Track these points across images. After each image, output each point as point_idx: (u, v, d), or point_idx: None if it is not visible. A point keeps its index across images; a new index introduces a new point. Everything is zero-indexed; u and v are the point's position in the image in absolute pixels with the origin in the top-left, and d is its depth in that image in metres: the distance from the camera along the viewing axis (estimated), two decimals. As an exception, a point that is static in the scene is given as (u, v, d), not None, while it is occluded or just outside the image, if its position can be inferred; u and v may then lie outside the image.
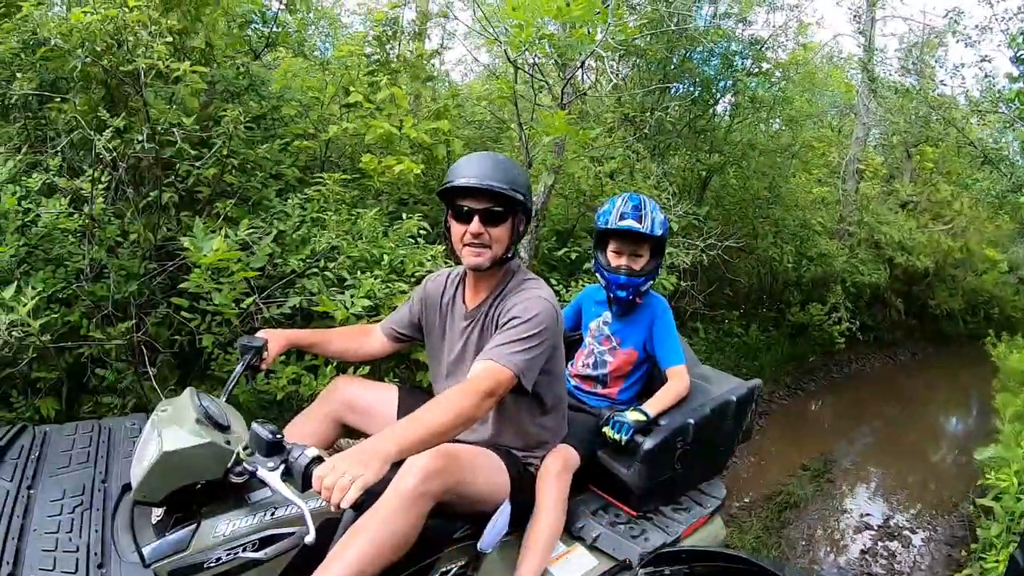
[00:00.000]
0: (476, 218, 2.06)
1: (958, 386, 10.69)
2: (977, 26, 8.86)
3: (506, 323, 2.04)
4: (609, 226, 2.56)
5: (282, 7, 4.65)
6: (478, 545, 2.05)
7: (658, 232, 2.55)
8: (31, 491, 1.74)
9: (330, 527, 1.84)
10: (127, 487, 1.73)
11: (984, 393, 8.68)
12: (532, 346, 1.98)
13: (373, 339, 2.55)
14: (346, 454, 1.53)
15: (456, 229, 2.12)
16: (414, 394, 2.44)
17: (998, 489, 4.07)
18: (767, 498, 5.76)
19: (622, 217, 2.53)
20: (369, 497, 1.81)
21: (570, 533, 2.28)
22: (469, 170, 2.07)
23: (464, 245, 2.11)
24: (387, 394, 2.42)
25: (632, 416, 2.34)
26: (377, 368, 3.51)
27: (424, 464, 1.80)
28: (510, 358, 1.93)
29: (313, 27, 6.83)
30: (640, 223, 2.52)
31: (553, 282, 4.61)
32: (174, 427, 1.63)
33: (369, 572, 1.72)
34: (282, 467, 1.58)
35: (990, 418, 7.37)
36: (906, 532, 5.48)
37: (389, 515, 1.75)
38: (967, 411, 9.75)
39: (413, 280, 3.51)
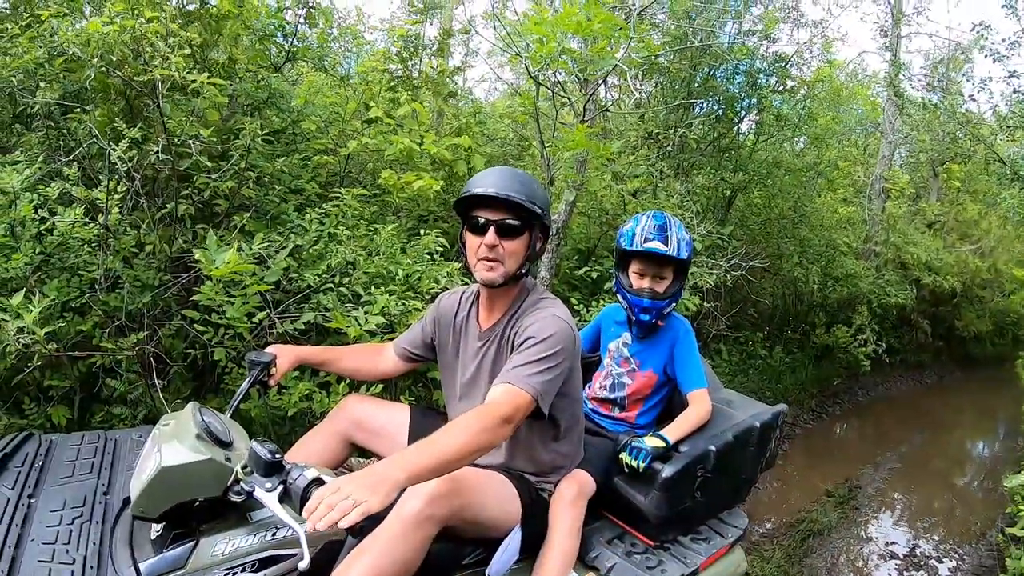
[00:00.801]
0: (491, 229, 2.01)
1: (986, 409, 10.53)
2: (1004, 40, 8.71)
3: (522, 343, 1.97)
4: (634, 247, 2.47)
5: (302, 21, 4.65)
6: (487, 572, 1.99)
7: (684, 254, 2.48)
8: (32, 500, 1.72)
9: (332, 550, 1.80)
10: (128, 500, 1.69)
11: (1013, 417, 8.53)
12: (550, 367, 1.91)
13: (385, 358, 2.50)
14: (353, 477, 1.46)
15: (471, 242, 2.07)
16: (427, 415, 2.39)
17: (1027, 518, 3.95)
18: (790, 525, 5.65)
19: (647, 239, 2.45)
20: (371, 521, 1.76)
21: (584, 562, 2.20)
22: (486, 181, 2.03)
23: (478, 260, 2.05)
24: (399, 414, 2.37)
25: (650, 442, 2.27)
26: (392, 386, 3.48)
27: (429, 487, 1.74)
28: (528, 380, 1.86)
29: (336, 43, 6.85)
30: (666, 244, 2.43)
31: (574, 301, 4.58)
32: (174, 442, 1.60)
33: None
34: (280, 488, 1.55)
35: (1018, 442, 7.22)
36: (932, 561, 5.36)
37: (392, 540, 1.68)
38: (995, 435, 9.58)
39: (428, 297, 3.48)
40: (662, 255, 2.44)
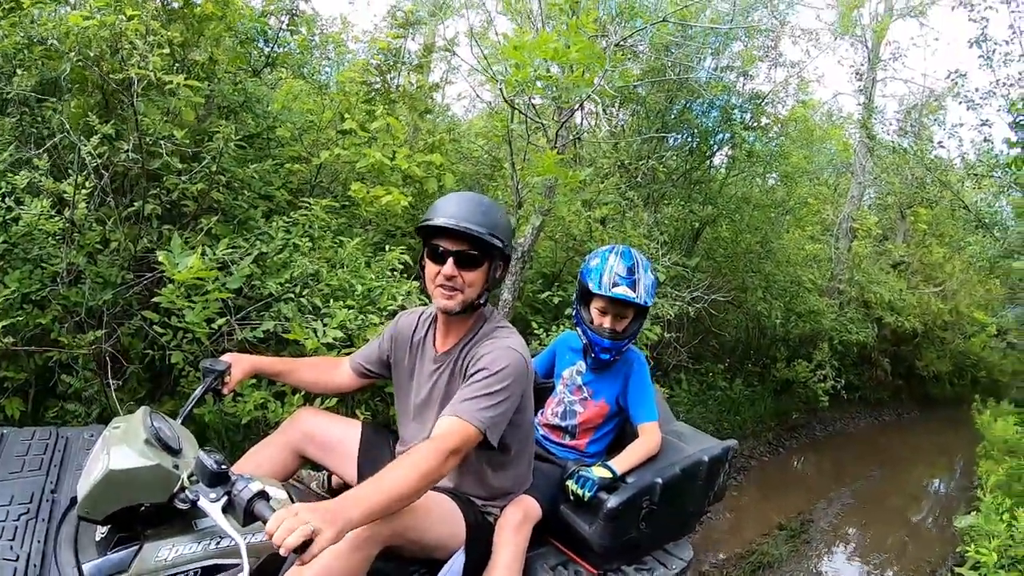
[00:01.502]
0: (450, 260, 2.01)
1: (943, 449, 10.68)
2: (977, 89, 8.94)
3: (474, 374, 1.98)
4: (601, 292, 2.46)
5: (284, 27, 4.65)
6: (429, 593, 2.00)
7: (650, 301, 2.51)
8: None
9: (276, 562, 1.79)
10: (75, 500, 1.68)
11: (968, 457, 8.66)
12: (499, 401, 1.93)
13: (341, 372, 2.50)
14: (311, 507, 1.48)
15: (430, 269, 2.07)
16: (378, 433, 2.40)
17: (976, 560, 4.01)
18: (740, 557, 5.68)
19: (615, 283, 2.44)
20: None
21: (527, 587, 2.21)
22: (448, 210, 2.03)
23: (436, 286, 2.06)
24: (350, 430, 2.37)
25: (598, 472, 2.29)
26: (348, 400, 3.46)
27: None
28: (476, 415, 1.88)
29: (318, 51, 6.85)
30: (634, 291, 2.44)
31: (535, 325, 4.59)
32: (123, 446, 1.59)
33: None
34: (224, 499, 1.54)
35: (973, 482, 7.34)
36: (882, 597, 5.41)
37: (334, 557, 1.68)
38: (950, 475, 9.72)
39: (386, 314, 3.48)
40: (631, 302, 2.46)
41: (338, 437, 2.33)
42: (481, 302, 2.13)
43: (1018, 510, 4.23)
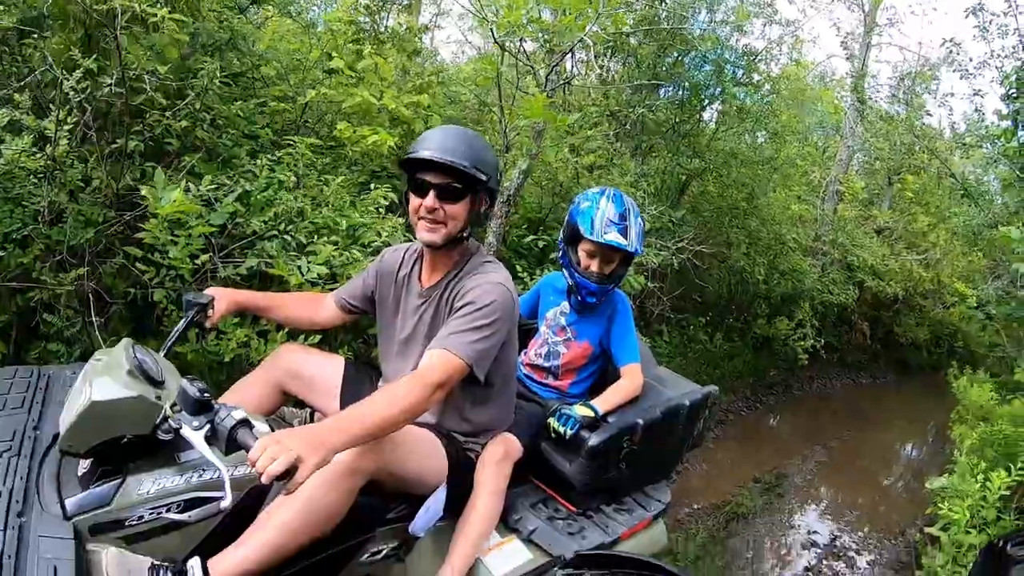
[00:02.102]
0: (432, 192, 2.00)
1: (917, 414, 10.84)
2: (972, 59, 8.92)
3: (460, 308, 1.98)
4: (593, 238, 2.43)
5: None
6: (410, 528, 2.03)
7: (640, 250, 2.50)
8: None
9: (259, 495, 1.81)
10: (57, 437, 1.67)
11: (941, 424, 8.79)
12: (486, 335, 1.94)
13: (325, 308, 2.49)
14: (292, 432, 1.50)
15: (413, 202, 2.06)
16: (360, 370, 2.40)
17: (947, 520, 4.09)
18: (716, 507, 5.80)
19: (607, 230, 2.42)
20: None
21: (506, 524, 2.24)
22: (433, 143, 2.01)
23: (419, 219, 2.05)
24: (332, 366, 2.37)
25: (580, 411, 2.31)
26: (331, 339, 3.46)
27: None
28: (463, 348, 1.89)
29: (306, -11, 6.70)
30: (625, 237, 2.42)
31: (519, 269, 4.58)
32: (105, 377, 1.59)
33: (292, 544, 1.70)
34: (207, 427, 1.55)
35: (944, 449, 7.50)
36: (852, 553, 5.55)
37: (318, 488, 1.70)
38: (923, 440, 9.88)
39: (369, 251, 3.46)
40: (622, 249, 2.45)
41: (320, 373, 2.33)
42: (464, 236, 2.12)
43: (992, 472, 4.31)
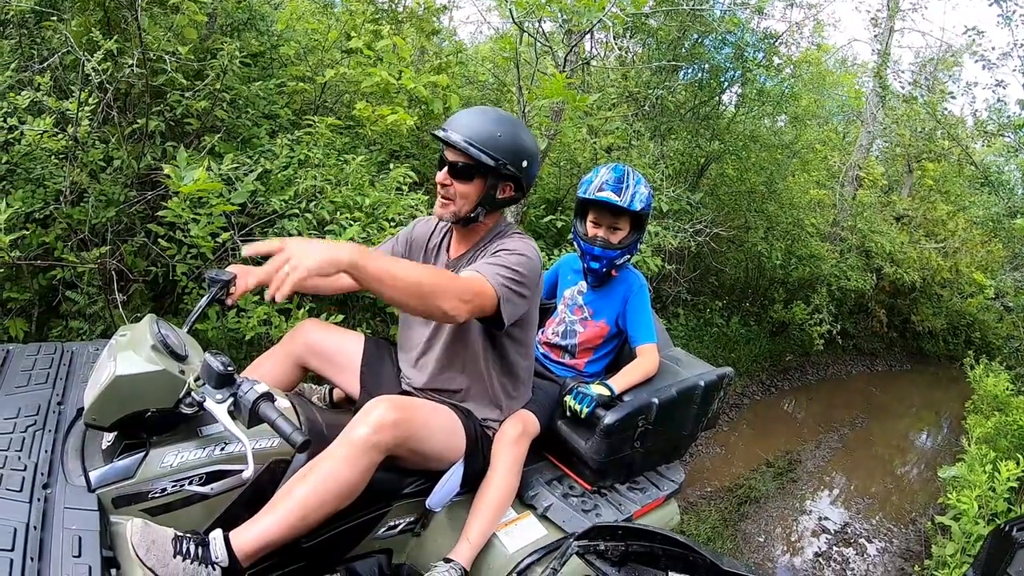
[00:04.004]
0: (445, 169, 2.04)
1: (931, 404, 10.76)
2: (995, 48, 8.81)
3: (495, 253, 2.00)
4: (587, 195, 2.51)
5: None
6: (427, 503, 2.05)
7: (637, 207, 2.48)
8: None
9: (278, 469, 1.83)
10: (82, 411, 1.70)
11: (955, 414, 8.76)
12: (518, 280, 1.93)
13: None
14: (302, 240, 1.51)
15: (438, 175, 2.08)
16: (380, 346, 2.42)
17: (958, 509, 4.09)
18: (728, 490, 5.81)
19: (601, 188, 2.48)
20: (320, 442, 1.80)
21: (522, 500, 2.27)
22: (455, 121, 2.03)
23: (438, 193, 2.08)
24: (353, 342, 2.39)
25: (596, 389, 2.32)
26: (350, 318, 3.48)
27: (378, 415, 1.78)
28: (497, 279, 1.87)
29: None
30: (619, 196, 2.45)
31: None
32: (129, 352, 1.60)
33: (312, 518, 1.72)
34: (230, 400, 1.57)
35: (957, 438, 7.47)
36: (862, 540, 5.55)
37: (337, 462, 1.74)
38: (936, 429, 9.80)
39: (394, 224, 3.48)
40: (614, 205, 2.46)
41: (340, 349, 2.35)
42: (473, 217, 2.11)
43: (1001, 463, 4.30)
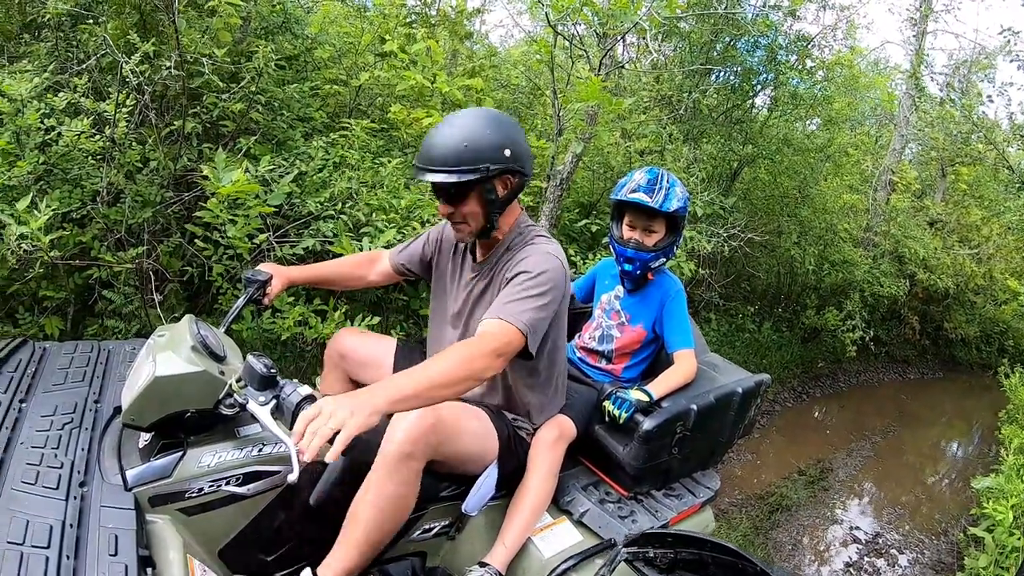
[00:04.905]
0: (441, 199, 2.00)
1: (964, 413, 10.59)
2: (1029, 47, 8.62)
3: (514, 278, 1.95)
4: (620, 197, 2.49)
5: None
6: (463, 507, 2.03)
7: (671, 208, 2.45)
8: (23, 404, 1.72)
9: (315, 471, 1.84)
10: (118, 410, 1.71)
11: (988, 423, 8.59)
12: (542, 304, 1.90)
13: (378, 269, 2.51)
14: (337, 398, 1.47)
15: (439, 208, 2.06)
16: (412, 349, 2.42)
17: (992, 520, 4.00)
18: (759, 498, 5.75)
19: (634, 190, 2.46)
20: (358, 444, 1.79)
21: (557, 505, 2.25)
22: (424, 155, 1.93)
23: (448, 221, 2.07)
24: (385, 346, 2.40)
25: (635, 395, 2.30)
26: (384, 322, 3.49)
27: (408, 427, 1.76)
28: (519, 317, 1.83)
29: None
30: (651, 197, 2.43)
31: (571, 253, 4.57)
32: (169, 352, 1.61)
33: (380, 536, 1.77)
34: (273, 402, 1.57)
35: (990, 449, 7.34)
36: (893, 551, 5.46)
37: (380, 479, 1.75)
38: (969, 439, 9.64)
39: (429, 225, 3.48)
40: (645, 206, 2.44)
41: (373, 354, 2.37)
42: (492, 225, 2.06)
43: (1039, 473, 4.21)
